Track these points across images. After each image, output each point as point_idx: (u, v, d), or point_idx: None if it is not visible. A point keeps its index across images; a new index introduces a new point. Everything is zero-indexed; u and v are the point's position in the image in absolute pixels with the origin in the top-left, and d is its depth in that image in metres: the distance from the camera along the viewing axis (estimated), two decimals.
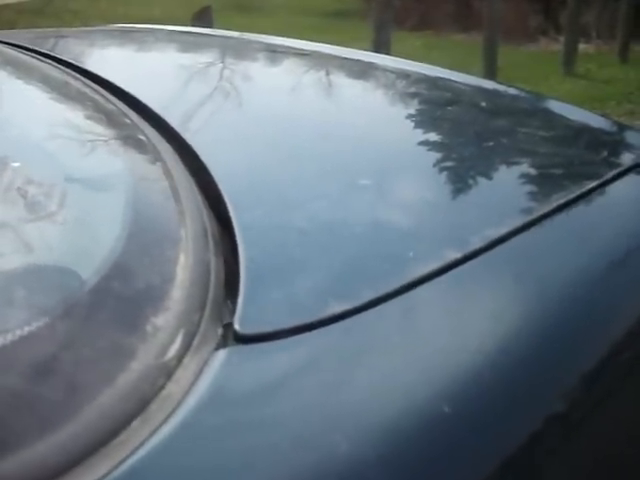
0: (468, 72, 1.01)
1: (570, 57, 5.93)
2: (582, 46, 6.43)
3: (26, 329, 0.36)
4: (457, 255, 0.49)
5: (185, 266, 0.44)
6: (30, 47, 0.90)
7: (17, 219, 0.45)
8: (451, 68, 1.02)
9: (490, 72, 5.06)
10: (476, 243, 0.51)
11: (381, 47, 4.48)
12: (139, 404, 0.35)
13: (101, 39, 1.20)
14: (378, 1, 4.74)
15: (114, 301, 0.40)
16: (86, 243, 0.45)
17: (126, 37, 1.25)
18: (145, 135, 0.62)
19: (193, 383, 0.36)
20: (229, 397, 0.37)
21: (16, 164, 0.51)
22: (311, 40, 1.19)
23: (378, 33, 4.62)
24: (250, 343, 0.40)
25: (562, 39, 6.36)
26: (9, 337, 0.35)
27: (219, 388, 0.37)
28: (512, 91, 1.03)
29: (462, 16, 8.02)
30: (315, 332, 0.41)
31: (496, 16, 5.26)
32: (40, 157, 0.55)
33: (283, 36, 1.22)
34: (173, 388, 0.36)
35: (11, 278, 0.40)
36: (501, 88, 1.03)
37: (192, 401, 0.36)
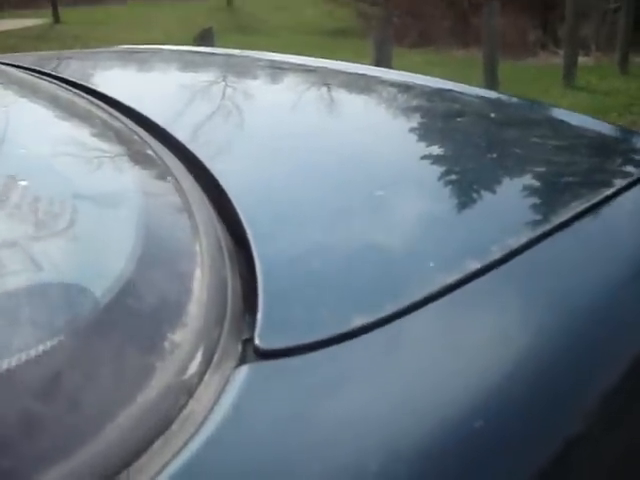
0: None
1: (570, 70, 5.95)
2: (582, 59, 6.45)
3: (44, 348, 0.35)
4: (473, 268, 0.48)
5: (201, 281, 0.43)
6: (39, 69, 0.90)
7: (32, 236, 0.44)
8: None
9: (491, 87, 5.08)
10: (490, 256, 0.50)
11: (382, 64, 4.49)
12: (161, 424, 0.34)
13: (108, 60, 1.20)
14: (378, 19, 4.76)
15: (132, 319, 0.39)
16: (102, 260, 0.44)
17: (132, 57, 1.26)
18: (154, 151, 0.62)
19: (215, 401, 0.35)
20: (252, 415, 0.36)
21: (24, 183, 0.50)
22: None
23: (378, 50, 4.64)
24: (271, 359, 0.39)
25: (561, 52, 6.38)
26: (24, 357, 0.34)
27: (241, 406, 0.36)
28: (518, 101, 1.02)
29: (461, 32, 8.07)
30: (337, 347, 0.40)
31: (494, 31, 5.28)
32: (54, 177, 0.54)
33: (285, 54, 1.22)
34: (195, 406, 0.35)
35: (26, 297, 0.39)
36: (506, 98, 1.03)
37: (215, 420, 0.34)
